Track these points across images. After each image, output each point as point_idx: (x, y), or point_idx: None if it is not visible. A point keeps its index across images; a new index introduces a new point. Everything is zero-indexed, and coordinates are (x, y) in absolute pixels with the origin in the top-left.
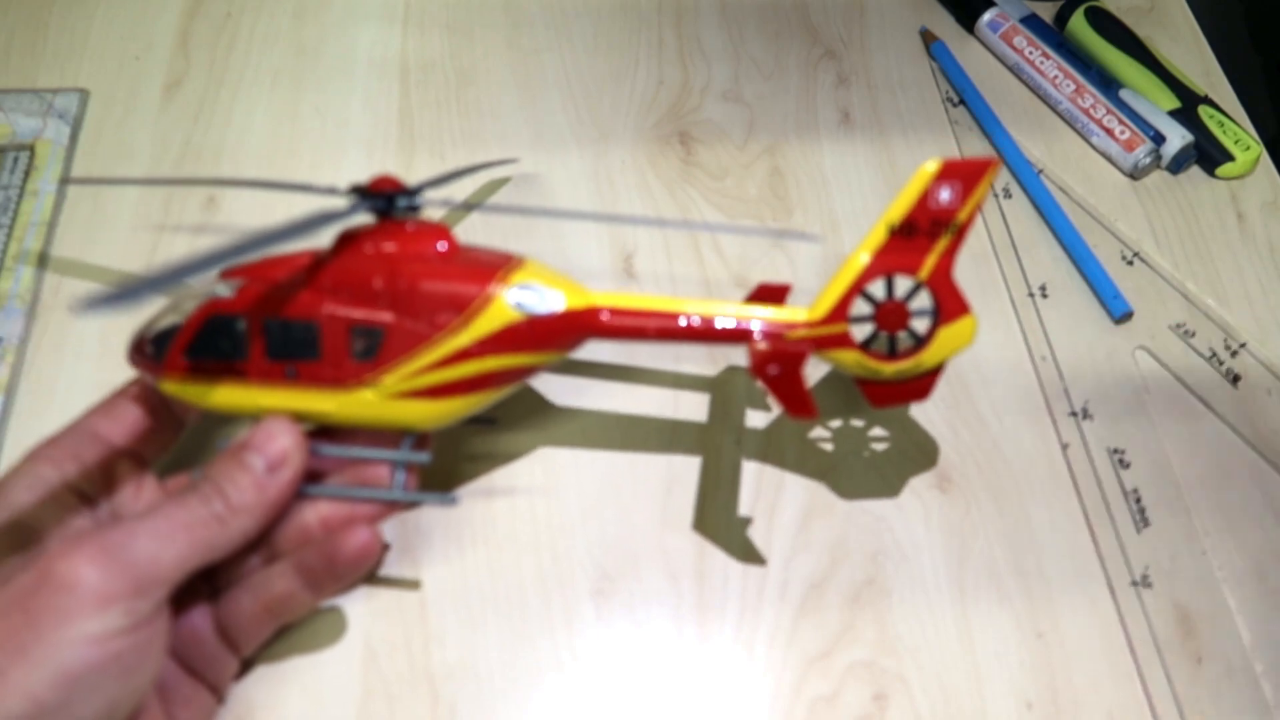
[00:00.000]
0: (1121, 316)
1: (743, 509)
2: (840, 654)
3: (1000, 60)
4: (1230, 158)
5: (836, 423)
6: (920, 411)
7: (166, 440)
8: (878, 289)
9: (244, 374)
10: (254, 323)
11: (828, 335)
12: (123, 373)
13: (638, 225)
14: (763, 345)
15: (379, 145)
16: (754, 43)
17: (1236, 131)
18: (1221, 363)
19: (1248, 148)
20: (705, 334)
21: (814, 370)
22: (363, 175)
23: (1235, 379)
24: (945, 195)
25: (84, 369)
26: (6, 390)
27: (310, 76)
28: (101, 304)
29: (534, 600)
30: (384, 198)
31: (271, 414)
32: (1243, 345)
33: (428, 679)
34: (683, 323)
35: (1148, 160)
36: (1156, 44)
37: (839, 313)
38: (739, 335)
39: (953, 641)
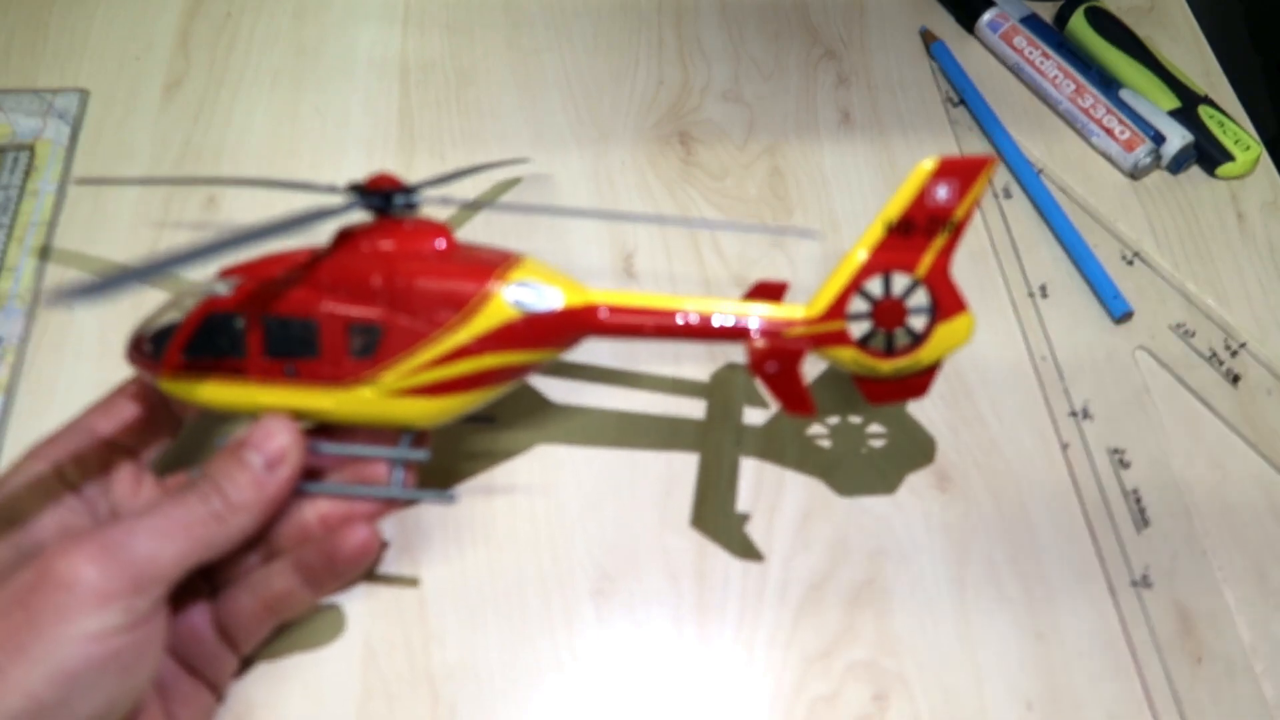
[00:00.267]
0: (1121, 316)
1: (742, 507)
2: (840, 654)
3: (1000, 60)
4: (1230, 158)
5: (834, 420)
6: (920, 412)
7: (165, 438)
8: (875, 286)
9: (242, 372)
10: (252, 321)
11: (825, 332)
12: (122, 372)
13: (638, 224)
14: (761, 343)
15: (379, 145)
16: (754, 43)
17: (1236, 131)
18: (1221, 363)
19: (1248, 148)
20: (703, 332)
21: (812, 367)
22: (363, 175)
23: (1235, 379)
24: (942, 193)
25: (83, 368)
26: (6, 390)
27: (310, 76)
28: (84, 293)
29: (534, 600)
30: (382, 195)
31: (270, 412)
32: (1243, 345)
33: (427, 678)
34: (681, 320)
35: (1148, 160)
36: (1156, 44)
37: (837, 310)
38: (737, 333)
39: (953, 641)
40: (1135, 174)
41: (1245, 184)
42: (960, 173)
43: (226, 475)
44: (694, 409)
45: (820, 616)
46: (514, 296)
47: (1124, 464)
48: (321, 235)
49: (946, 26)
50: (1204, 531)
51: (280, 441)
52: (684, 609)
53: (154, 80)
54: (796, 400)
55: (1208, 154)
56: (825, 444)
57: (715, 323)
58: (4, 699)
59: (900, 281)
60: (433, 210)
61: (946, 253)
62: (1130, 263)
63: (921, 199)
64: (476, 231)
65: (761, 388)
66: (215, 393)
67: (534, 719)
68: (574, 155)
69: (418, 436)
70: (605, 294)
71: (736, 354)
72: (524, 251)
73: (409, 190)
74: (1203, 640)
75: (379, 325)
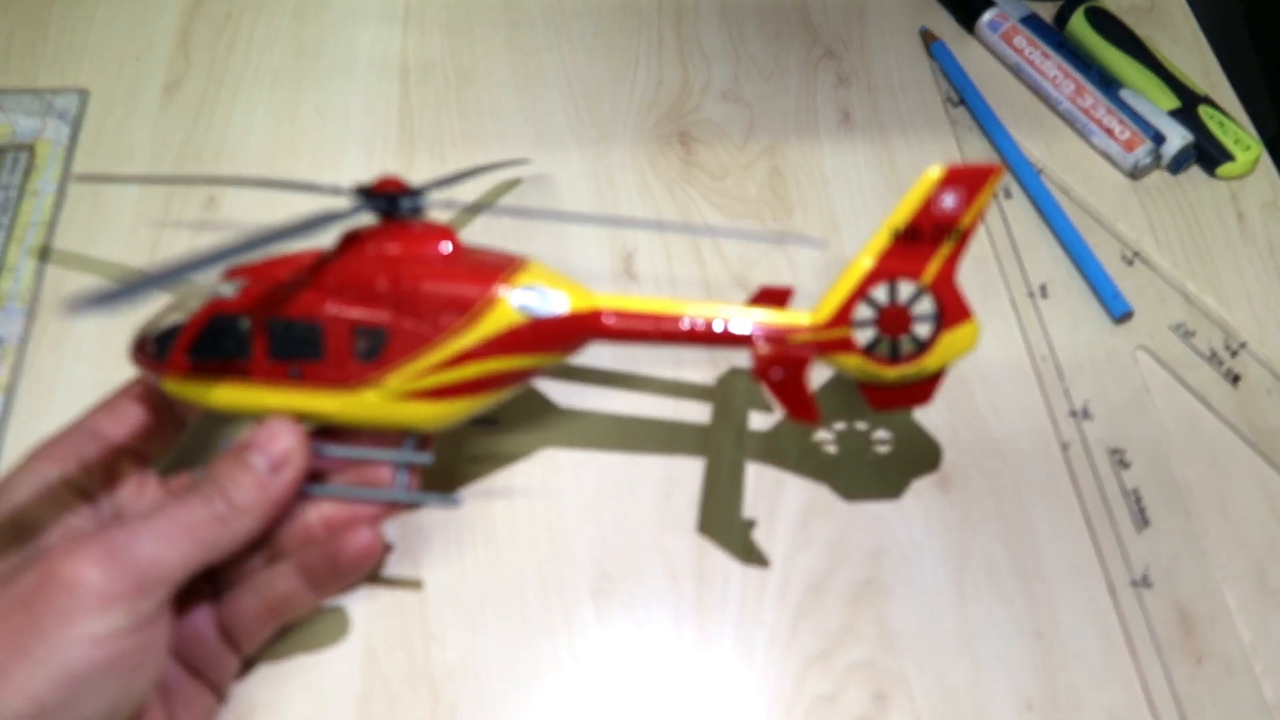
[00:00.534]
0: (1121, 316)
1: (743, 510)
2: (840, 654)
3: (1000, 60)
4: (1230, 158)
5: (840, 425)
6: (919, 412)
7: (168, 439)
8: (881, 293)
9: (247, 374)
10: (257, 322)
11: (830, 339)
12: (122, 372)
13: (637, 227)
14: (765, 349)
15: (379, 145)
16: (754, 43)
17: (1236, 131)
18: (1221, 363)
19: (1248, 148)
20: (708, 337)
21: (816, 373)
22: (363, 175)
23: (1235, 379)
24: (949, 201)
25: (84, 369)
26: (6, 390)
27: (310, 76)
28: (96, 302)
29: (534, 601)
30: (388, 198)
31: (274, 414)
32: (1243, 345)
33: (428, 679)
34: (685, 326)
35: (1148, 160)
36: (1156, 44)
37: (842, 317)
38: (742, 339)
39: (953, 641)
40: (1135, 174)
41: (1245, 184)
42: (967, 181)
43: (230, 477)
44: (695, 412)
45: (820, 616)
46: (519, 301)
47: (1124, 464)
48: (325, 238)
49: (946, 26)
50: (1204, 531)
51: (284, 444)
52: (684, 609)
53: (154, 80)
54: (801, 407)
55: (1208, 154)
56: (831, 449)
57: (720, 328)
58: (7, 701)
59: (906, 289)
60: (435, 213)
61: (952, 260)
62: (1130, 263)
63: (928, 207)
64: (476, 233)
65: (766, 393)
66: (219, 394)
67: (534, 719)
68: (574, 155)
69: (421, 439)
70: (611, 298)
71: (740, 358)
72: (527, 254)
73: (415, 193)
74: (1203, 640)
75: (384, 328)
